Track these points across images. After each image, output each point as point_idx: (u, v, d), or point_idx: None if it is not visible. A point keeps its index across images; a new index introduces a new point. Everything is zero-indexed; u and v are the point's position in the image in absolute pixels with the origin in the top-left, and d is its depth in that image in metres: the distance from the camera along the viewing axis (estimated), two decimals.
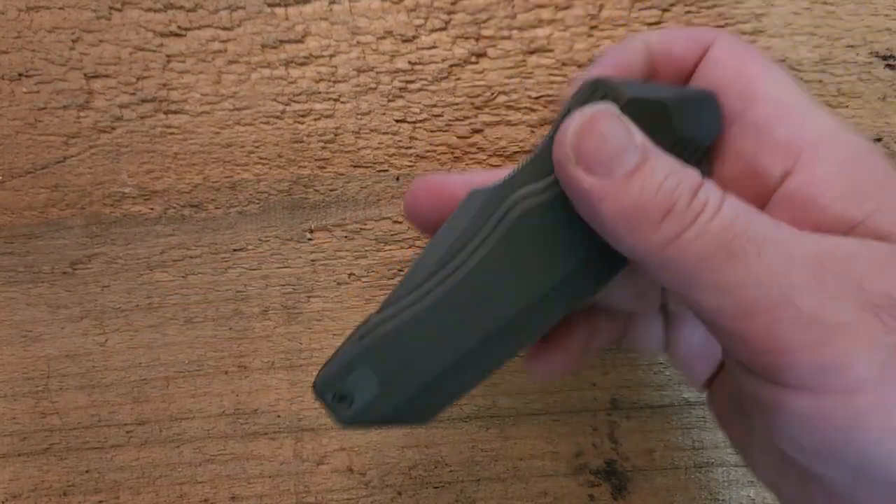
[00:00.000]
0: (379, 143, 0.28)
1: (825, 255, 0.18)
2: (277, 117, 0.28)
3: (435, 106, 0.28)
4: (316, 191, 0.29)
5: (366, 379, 0.22)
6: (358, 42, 0.28)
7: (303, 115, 0.28)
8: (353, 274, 0.29)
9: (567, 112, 0.21)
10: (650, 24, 0.27)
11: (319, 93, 0.28)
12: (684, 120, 0.21)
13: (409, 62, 0.28)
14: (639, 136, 0.19)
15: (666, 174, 0.19)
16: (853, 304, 0.17)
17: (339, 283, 0.29)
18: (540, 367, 0.25)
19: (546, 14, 0.27)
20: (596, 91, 0.21)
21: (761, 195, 0.22)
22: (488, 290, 0.22)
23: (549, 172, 0.21)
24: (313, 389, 0.22)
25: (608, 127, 0.19)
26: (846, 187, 0.20)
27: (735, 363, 0.20)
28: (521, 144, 0.28)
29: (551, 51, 0.28)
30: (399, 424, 0.23)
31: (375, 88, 0.28)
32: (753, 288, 0.18)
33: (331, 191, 0.29)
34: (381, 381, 0.22)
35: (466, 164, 0.28)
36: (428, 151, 0.28)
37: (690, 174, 0.19)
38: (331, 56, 0.28)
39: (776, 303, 0.17)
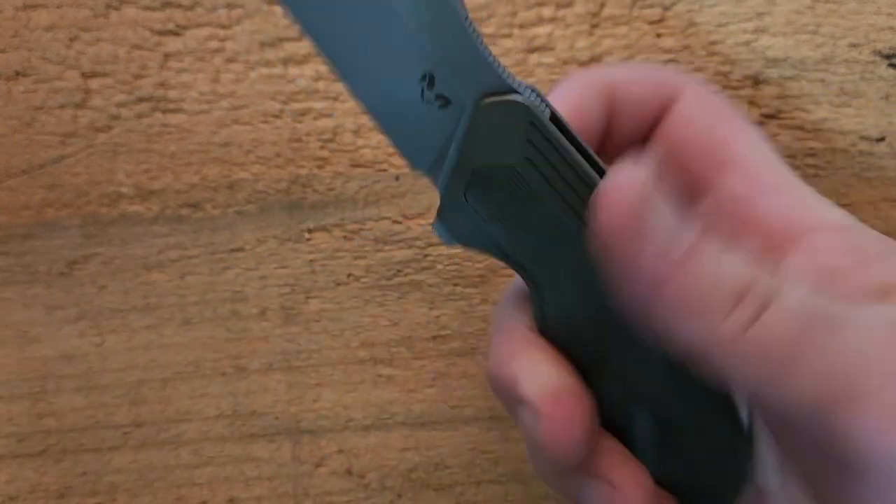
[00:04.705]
0: (378, 142, 0.28)
1: None
2: (276, 116, 0.28)
3: None
4: (314, 190, 0.28)
5: None
6: None
7: (301, 114, 0.28)
8: (352, 275, 0.29)
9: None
10: (652, 23, 0.27)
11: (318, 91, 0.28)
12: None
13: None
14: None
15: (728, 246, 0.16)
16: None
17: (337, 284, 0.29)
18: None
19: (547, 12, 0.27)
20: None
21: None
22: None
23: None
24: None
25: (657, 197, 0.16)
26: (857, 255, 0.18)
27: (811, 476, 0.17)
28: None
29: (552, 49, 0.27)
30: None
31: None
32: (849, 372, 0.15)
33: (329, 190, 0.28)
34: None
35: None
36: None
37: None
38: None
39: (880, 385, 0.15)
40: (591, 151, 0.19)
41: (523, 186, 0.18)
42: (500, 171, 0.18)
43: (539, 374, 0.18)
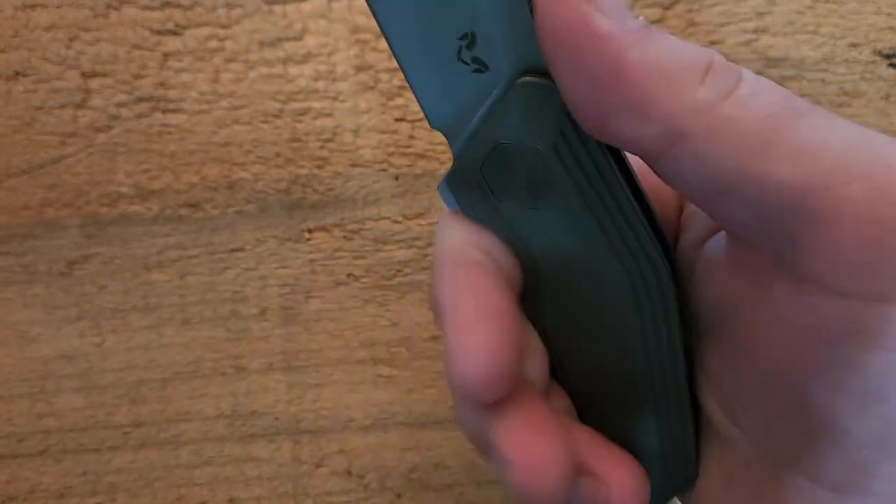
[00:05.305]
0: (378, 142, 0.28)
1: None
2: (276, 116, 0.28)
3: None
4: (314, 190, 0.28)
5: None
6: (357, 40, 0.27)
7: (301, 114, 0.28)
8: (352, 274, 0.29)
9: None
10: (652, 23, 0.27)
11: (318, 91, 0.28)
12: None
13: None
14: None
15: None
16: None
17: (337, 284, 0.29)
18: None
19: None
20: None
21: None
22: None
23: None
24: None
25: None
26: None
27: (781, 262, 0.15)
28: None
29: None
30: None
31: (374, 87, 0.28)
32: (843, 149, 0.14)
33: (329, 190, 0.28)
34: None
35: None
36: (427, 150, 0.28)
37: None
38: (329, 54, 0.28)
39: (875, 162, 0.14)
40: (624, 154, 0.18)
41: (545, 172, 0.17)
42: (524, 152, 0.17)
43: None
